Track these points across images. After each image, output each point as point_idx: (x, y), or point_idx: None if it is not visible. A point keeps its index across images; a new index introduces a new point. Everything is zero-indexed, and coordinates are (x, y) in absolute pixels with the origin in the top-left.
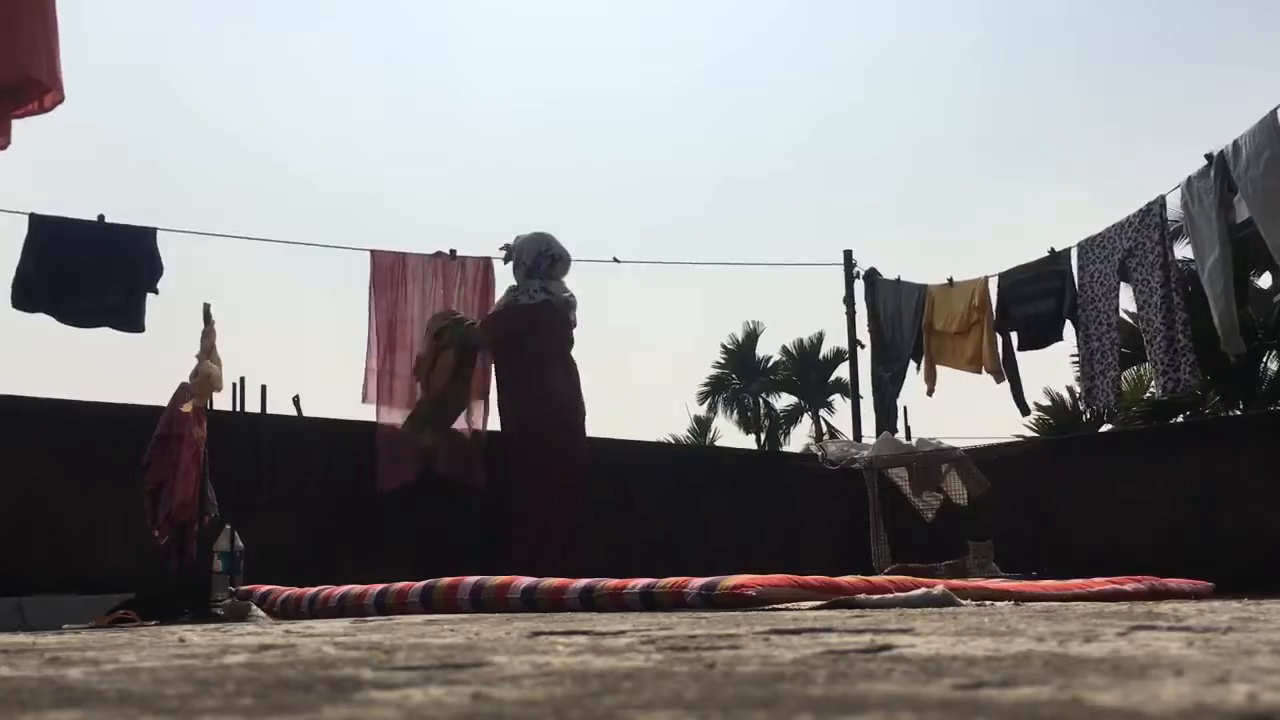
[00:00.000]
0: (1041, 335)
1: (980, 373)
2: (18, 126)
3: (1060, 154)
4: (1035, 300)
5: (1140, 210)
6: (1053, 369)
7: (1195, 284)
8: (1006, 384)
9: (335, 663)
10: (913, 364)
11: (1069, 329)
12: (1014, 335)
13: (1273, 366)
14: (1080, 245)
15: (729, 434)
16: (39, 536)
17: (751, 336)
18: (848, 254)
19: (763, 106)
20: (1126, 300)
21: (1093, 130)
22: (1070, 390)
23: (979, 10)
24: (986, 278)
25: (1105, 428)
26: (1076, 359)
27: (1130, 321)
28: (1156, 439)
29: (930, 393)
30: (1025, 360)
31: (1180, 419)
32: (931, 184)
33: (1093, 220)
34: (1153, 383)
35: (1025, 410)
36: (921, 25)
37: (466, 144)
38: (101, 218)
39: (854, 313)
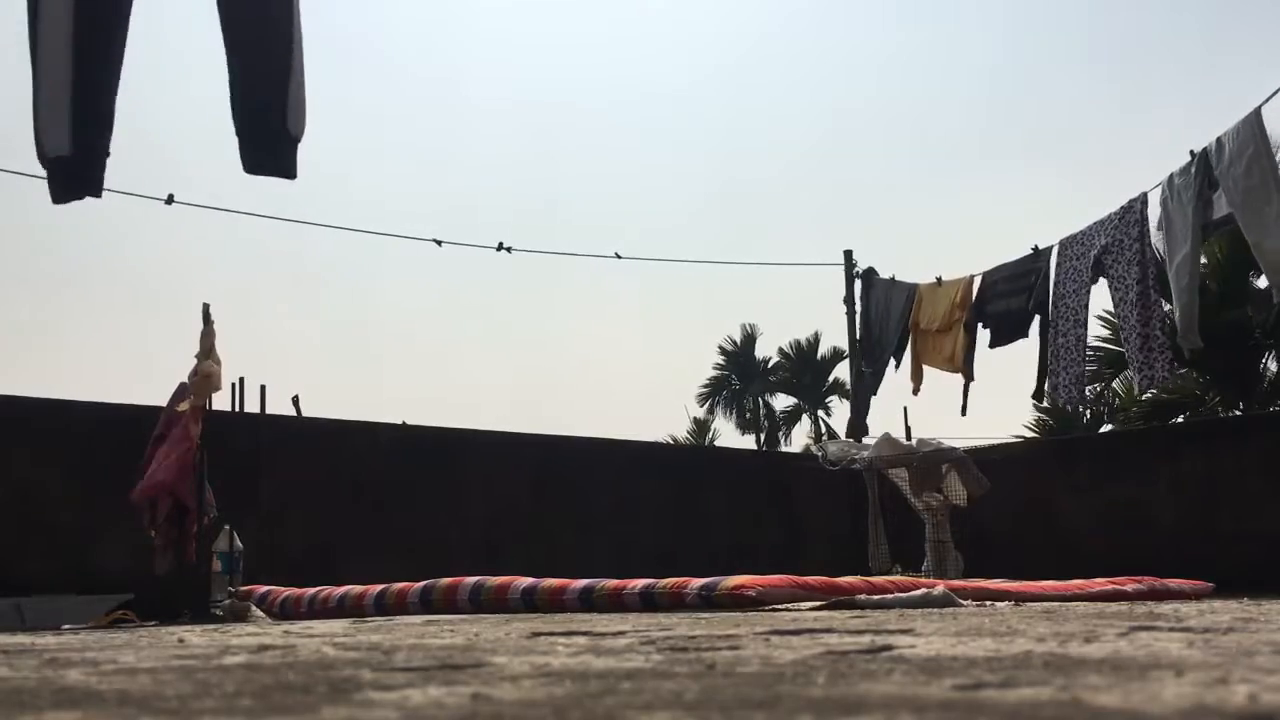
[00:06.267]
0: (1011, 332)
1: (955, 371)
2: None
3: (1057, 151)
4: (1008, 297)
5: (1121, 207)
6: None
7: None
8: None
9: (335, 663)
10: (893, 362)
11: (1035, 325)
12: (987, 332)
13: (1273, 366)
14: (1061, 243)
15: (728, 435)
16: (38, 537)
17: (749, 338)
18: (848, 254)
19: (761, 108)
20: (1106, 299)
21: (1090, 128)
22: None
23: (977, 8)
24: (972, 276)
25: (1105, 428)
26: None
27: (1111, 319)
28: (1157, 439)
29: (916, 391)
30: (1024, 361)
31: (1180, 419)
32: (929, 183)
33: (1083, 218)
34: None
35: (962, 411)
36: (921, 22)
37: (464, 139)
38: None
39: (854, 313)
